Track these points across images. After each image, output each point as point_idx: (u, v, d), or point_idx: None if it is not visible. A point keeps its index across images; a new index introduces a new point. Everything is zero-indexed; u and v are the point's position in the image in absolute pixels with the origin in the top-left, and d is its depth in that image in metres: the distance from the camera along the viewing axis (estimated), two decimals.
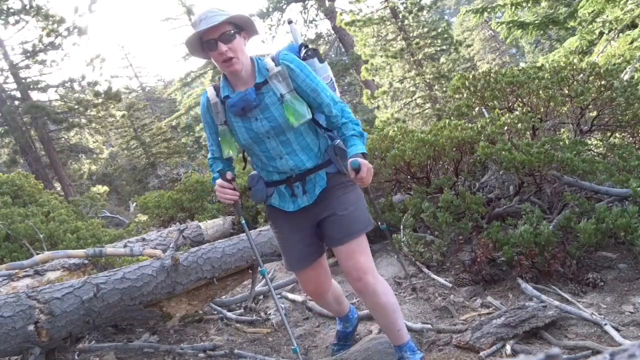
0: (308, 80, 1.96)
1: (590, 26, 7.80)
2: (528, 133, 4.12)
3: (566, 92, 4.22)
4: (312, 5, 22.10)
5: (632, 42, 6.94)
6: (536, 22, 8.47)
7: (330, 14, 20.40)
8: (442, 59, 14.77)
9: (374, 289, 1.99)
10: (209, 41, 1.88)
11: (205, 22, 1.85)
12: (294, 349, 2.10)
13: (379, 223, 2.61)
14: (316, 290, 2.28)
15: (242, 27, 1.97)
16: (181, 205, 6.59)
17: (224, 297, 3.57)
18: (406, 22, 14.38)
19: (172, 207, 6.62)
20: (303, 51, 2.20)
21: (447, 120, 4.33)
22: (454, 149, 3.96)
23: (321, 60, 2.21)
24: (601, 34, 7.84)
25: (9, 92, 14.79)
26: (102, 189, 15.78)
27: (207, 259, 3.08)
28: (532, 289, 2.71)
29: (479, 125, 3.99)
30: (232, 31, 1.89)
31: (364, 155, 1.89)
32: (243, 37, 1.98)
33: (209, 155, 2.19)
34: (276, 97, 1.94)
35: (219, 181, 2.06)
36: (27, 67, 14.74)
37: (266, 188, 2.10)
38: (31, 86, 14.78)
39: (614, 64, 4.75)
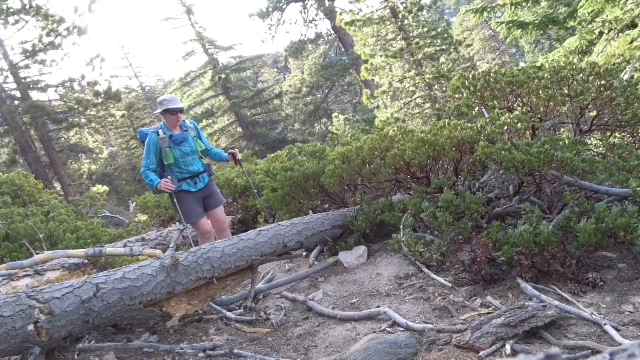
0: (203, 135, 4.22)
1: (590, 26, 7.80)
2: (528, 133, 4.11)
3: (566, 92, 4.21)
4: (312, 5, 22.13)
5: (632, 42, 6.95)
6: (536, 22, 8.48)
7: (330, 14, 20.44)
8: (442, 59, 14.76)
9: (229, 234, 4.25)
10: (176, 111, 3.91)
11: (175, 102, 3.92)
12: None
13: None
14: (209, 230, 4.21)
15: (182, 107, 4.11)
16: None
17: (224, 297, 3.56)
18: (406, 22, 14.37)
19: (172, 207, 6.60)
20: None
21: (447, 120, 4.32)
22: (454, 149, 3.96)
23: None
24: (601, 34, 7.84)
25: (9, 92, 14.78)
26: (102, 189, 15.76)
27: (207, 259, 3.08)
28: (532, 289, 2.71)
29: (479, 125, 3.98)
30: (183, 109, 4.06)
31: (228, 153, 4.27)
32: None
33: (145, 169, 3.87)
34: (191, 138, 4.03)
35: (164, 179, 3.81)
36: (27, 67, 14.73)
37: (178, 182, 3.92)
38: (31, 86, 14.77)
39: (614, 64, 4.74)
